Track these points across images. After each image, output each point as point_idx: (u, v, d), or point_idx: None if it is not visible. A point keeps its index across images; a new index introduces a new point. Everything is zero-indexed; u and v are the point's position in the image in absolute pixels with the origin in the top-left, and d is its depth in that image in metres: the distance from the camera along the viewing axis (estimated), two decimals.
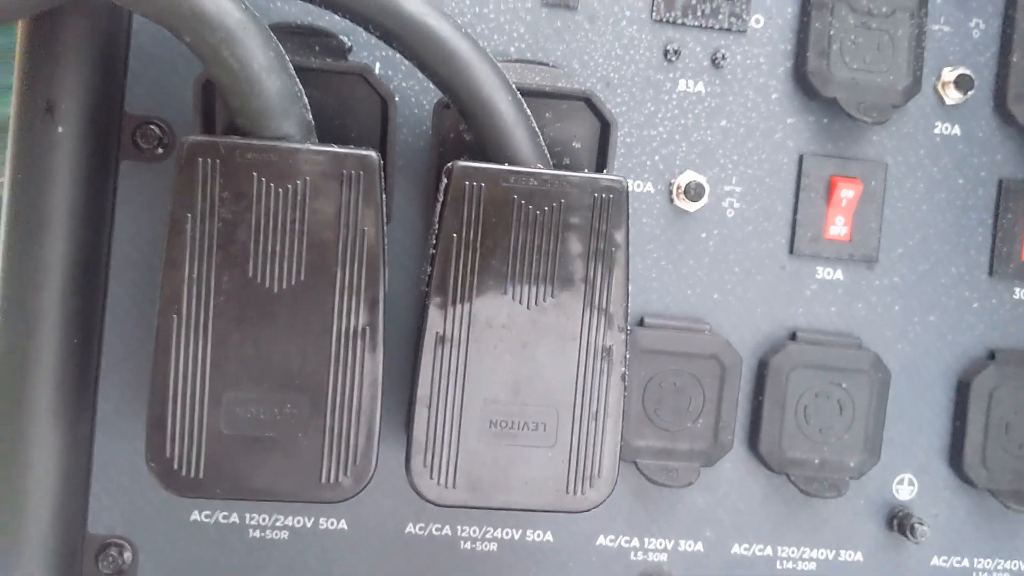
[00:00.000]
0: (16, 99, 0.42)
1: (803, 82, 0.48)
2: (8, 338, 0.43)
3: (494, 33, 0.47)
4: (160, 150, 0.45)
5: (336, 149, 0.39)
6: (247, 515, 0.46)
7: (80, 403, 0.44)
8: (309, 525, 0.46)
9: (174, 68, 0.45)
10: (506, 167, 0.41)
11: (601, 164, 0.45)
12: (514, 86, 0.41)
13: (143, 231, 0.45)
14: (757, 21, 0.48)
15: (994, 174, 0.51)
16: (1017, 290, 0.51)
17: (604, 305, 0.41)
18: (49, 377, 0.43)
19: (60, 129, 0.42)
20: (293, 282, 0.39)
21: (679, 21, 0.48)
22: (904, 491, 0.51)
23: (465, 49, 0.40)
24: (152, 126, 0.45)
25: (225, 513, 0.46)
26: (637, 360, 0.47)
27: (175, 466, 0.39)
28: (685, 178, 0.48)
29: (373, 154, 0.40)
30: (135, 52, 0.45)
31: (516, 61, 0.47)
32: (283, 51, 0.39)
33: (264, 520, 0.46)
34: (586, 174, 0.41)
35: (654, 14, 0.48)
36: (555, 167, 0.44)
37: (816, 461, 0.49)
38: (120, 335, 0.45)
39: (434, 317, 0.41)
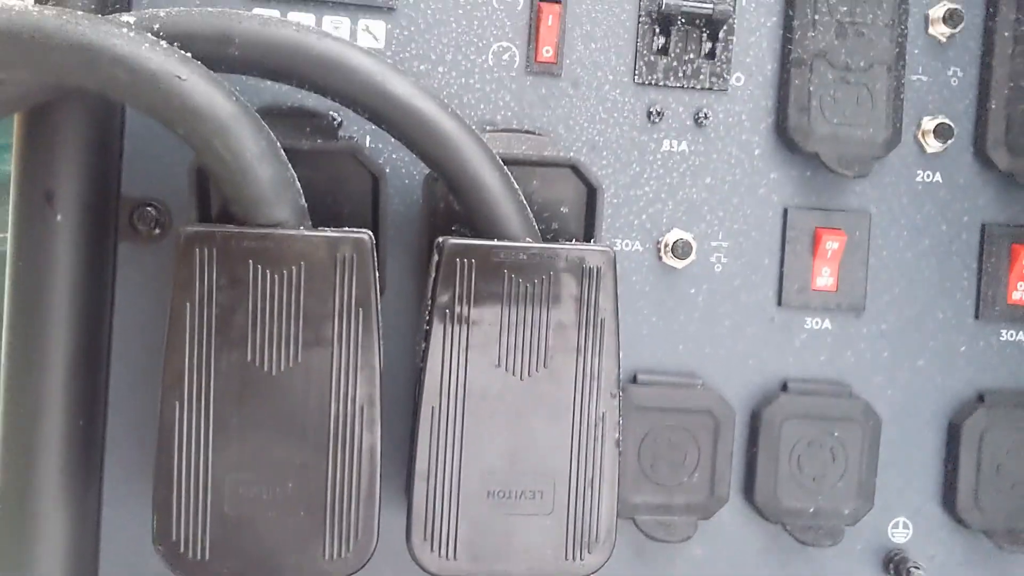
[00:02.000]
0: (15, 190, 0.43)
1: (785, 137, 0.49)
2: (15, 421, 0.44)
3: (480, 102, 0.48)
4: (157, 230, 0.46)
5: (329, 233, 0.40)
6: None
7: (87, 482, 0.45)
8: None
9: (168, 149, 0.46)
10: (495, 243, 0.41)
11: (589, 228, 0.46)
12: (501, 161, 0.42)
13: (143, 310, 0.46)
14: (738, 80, 0.49)
15: (976, 219, 0.52)
16: (1003, 332, 0.52)
17: (596, 373, 0.42)
18: (56, 458, 0.44)
19: (59, 217, 0.43)
20: (291, 363, 0.40)
21: (661, 83, 0.49)
22: (899, 534, 0.52)
23: (452, 129, 0.41)
24: (149, 208, 0.46)
25: None
26: (631, 417, 0.48)
27: (181, 549, 0.40)
28: (672, 236, 0.49)
29: (366, 236, 0.41)
30: (130, 135, 0.46)
31: (503, 131, 0.48)
32: (274, 139, 0.40)
33: None
34: (574, 246, 0.42)
35: (636, 77, 0.49)
36: (544, 231, 0.45)
37: (811, 510, 0.50)
38: (124, 413, 0.46)
39: (429, 390, 0.41)
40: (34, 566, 0.44)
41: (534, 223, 0.43)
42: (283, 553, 0.40)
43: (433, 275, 0.42)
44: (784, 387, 0.50)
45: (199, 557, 0.40)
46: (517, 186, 0.42)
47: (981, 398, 0.52)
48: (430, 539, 0.41)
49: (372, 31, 0.47)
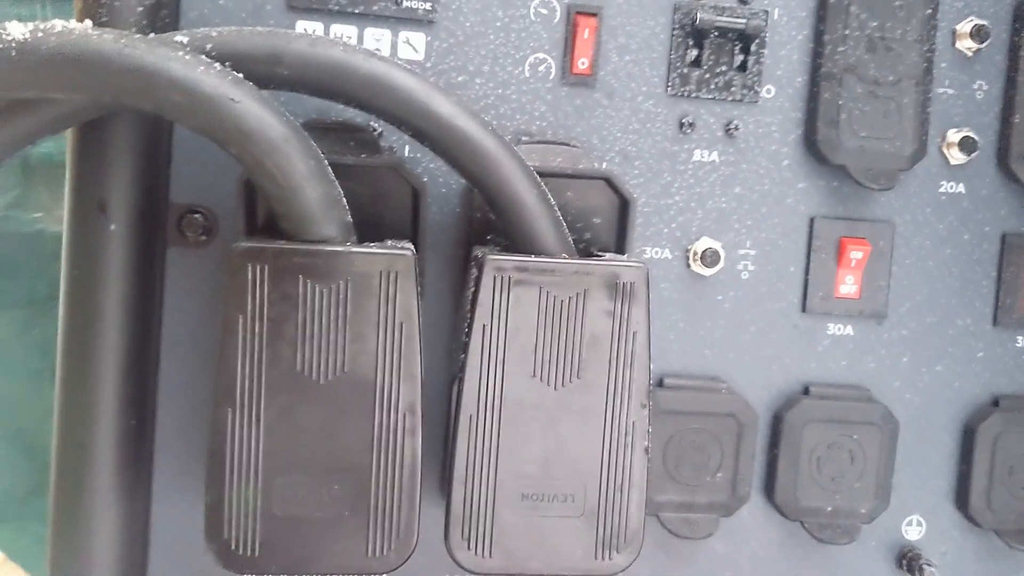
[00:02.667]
0: (70, 199, 0.45)
1: (813, 149, 0.50)
2: (70, 421, 0.46)
3: (516, 113, 0.49)
4: (204, 237, 0.48)
5: (375, 250, 0.42)
6: None
7: (138, 480, 0.47)
8: None
9: (215, 158, 0.47)
10: (532, 259, 0.43)
11: (620, 239, 0.48)
12: (538, 178, 0.43)
13: (190, 314, 0.48)
14: (768, 92, 0.50)
15: (997, 229, 0.53)
16: (1020, 339, 0.54)
17: (627, 384, 0.44)
18: (109, 457, 0.46)
19: (112, 226, 0.45)
20: (338, 373, 0.42)
21: (693, 95, 0.50)
22: (913, 532, 0.54)
23: (492, 148, 0.42)
24: (196, 215, 0.47)
25: None
26: (658, 419, 0.50)
27: (232, 546, 0.42)
28: (701, 244, 0.51)
29: (409, 252, 0.42)
30: (178, 143, 0.47)
31: (539, 143, 0.49)
32: (322, 157, 0.41)
33: None
34: (607, 262, 0.44)
35: (669, 89, 0.50)
36: (577, 241, 0.47)
37: (829, 509, 0.52)
38: (173, 414, 0.48)
39: (468, 400, 0.43)
40: (87, 560, 0.46)
41: (569, 238, 0.45)
42: (328, 551, 0.43)
43: (472, 288, 0.44)
44: (806, 391, 0.52)
45: (249, 554, 0.42)
46: (553, 201, 0.44)
47: (996, 403, 0.53)
48: (467, 539, 0.44)
49: (412, 43, 0.48)
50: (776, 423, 0.52)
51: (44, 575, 1.13)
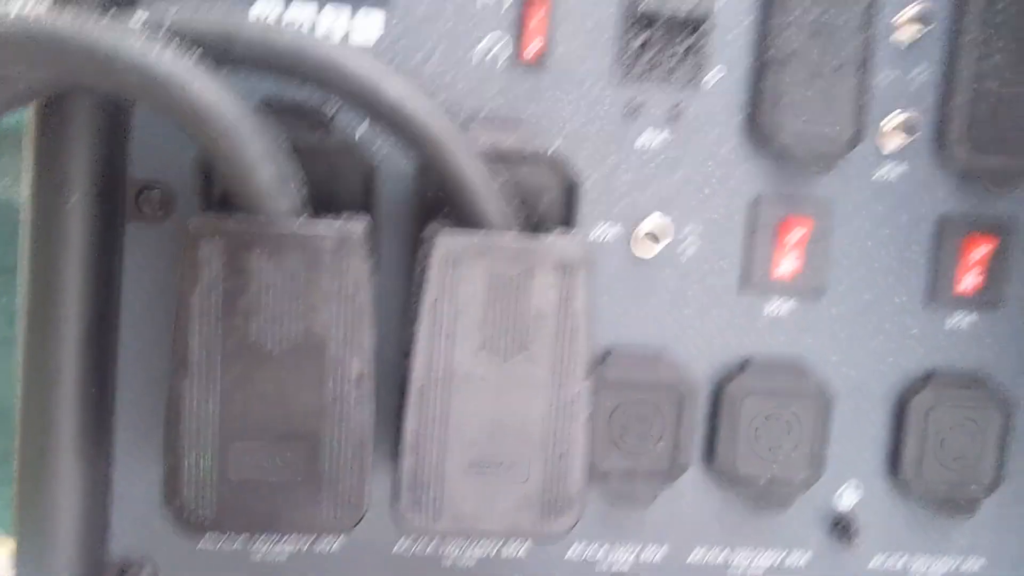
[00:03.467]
0: (32, 174, 0.46)
1: (756, 132, 0.52)
2: (33, 390, 0.47)
3: (469, 94, 0.50)
4: (161, 212, 0.49)
5: (327, 225, 0.43)
6: (250, 541, 0.51)
7: (99, 445, 0.49)
8: (305, 549, 0.52)
9: (173, 135, 0.48)
10: (480, 237, 0.45)
11: (568, 218, 0.50)
12: (488, 154, 0.45)
13: (148, 287, 0.49)
14: (714, 76, 0.52)
15: (933, 212, 0.55)
16: (953, 316, 0.56)
17: (570, 357, 0.46)
18: (70, 424, 0.48)
19: (72, 200, 0.46)
20: (290, 344, 0.44)
21: (640, 79, 0.51)
22: (847, 501, 0.56)
23: (440, 130, 0.44)
24: (155, 190, 0.49)
25: (230, 541, 0.51)
26: (603, 391, 0.52)
27: (190, 508, 0.44)
28: (647, 223, 0.52)
29: (361, 228, 0.44)
30: (137, 120, 0.48)
31: (489, 121, 0.50)
32: (276, 136, 0.43)
33: (265, 545, 0.51)
34: (553, 240, 0.45)
35: (617, 73, 0.51)
36: (528, 218, 0.49)
37: (766, 477, 0.54)
38: (132, 382, 0.50)
39: (418, 372, 0.45)
40: (52, 520, 0.48)
41: (515, 217, 0.46)
42: (282, 513, 0.45)
43: (422, 264, 0.45)
44: (745, 365, 0.54)
45: (206, 516, 0.44)
46: (502, 179, 0.45)
47: (928, 378, 0.56)
48: (417, 503, 0.46)
49: (370, 21, 0.49)
50: (716, 395, 0.54)
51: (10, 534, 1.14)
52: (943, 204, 0.55)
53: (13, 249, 0.98)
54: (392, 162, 0.50)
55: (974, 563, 0.58)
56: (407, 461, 0.45)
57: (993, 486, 0.56)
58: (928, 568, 0.58)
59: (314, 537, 0.51)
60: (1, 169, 0.93)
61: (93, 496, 0.49)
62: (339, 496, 0.45)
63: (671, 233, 0.53)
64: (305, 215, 0.44)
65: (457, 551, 0.53)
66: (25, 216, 0.47)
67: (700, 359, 0.54)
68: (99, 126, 0.46)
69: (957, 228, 0.55)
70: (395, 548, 0.52)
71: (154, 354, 0.49)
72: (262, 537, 0.50)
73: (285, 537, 0.51)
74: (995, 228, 0.55)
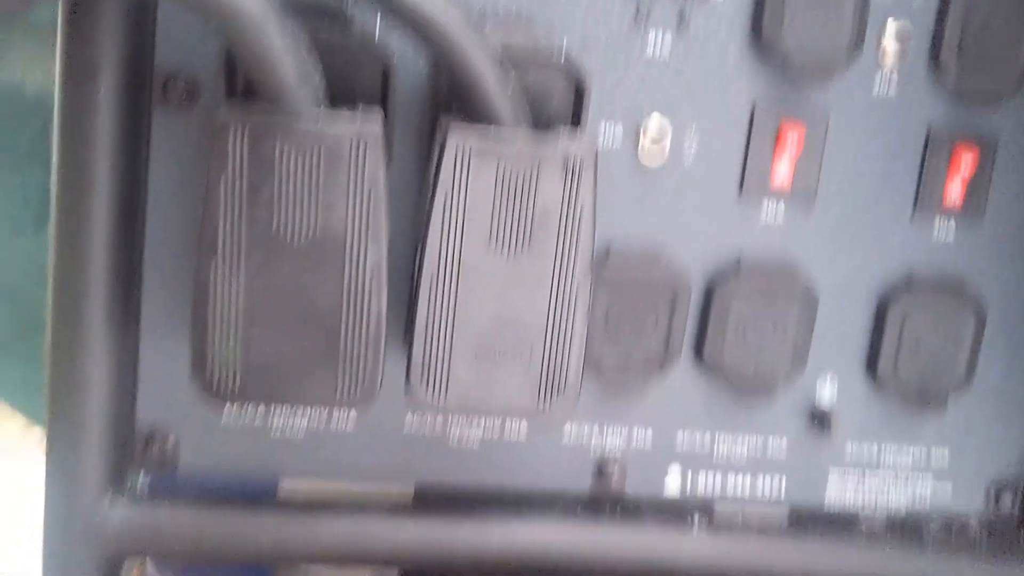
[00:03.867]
0: (61, 63, 0.48)
1: (758, 41, 0.54)
2: (64, 266, 0.50)
3: None
4: (187, 101, 0.51)
5: (346, 118, 0.45)
6: (270, 413, 0.55)
7: (127, 319, 0.52)
8: (323, 424, 0.55)
9: (199, 24, 0.50)
10: (492, 130, 0.47)
11: (576, 119, 0.52)
12: (500, 55, 0.47)
13: (175, 173, 0.52)
14: None
15: (923, 126, 0.57)
16: (936, 226, 0.59)
17: (573, 253, 0.49)
18: (102, 299, 0.51)
19: (102, 88, 0.48)
20: (309, 235, 0.46)
21: None
22: (826, 392, 0.60)
23: (454, 27, 0.46)
24: (180, 80, 0.51)
25: (251, 411, 0.55)
26: (602, 287, 0.55)
27: (215, 382, 0.48)
28: (651, 127, 0.55)
29: (378, 122, 0.46)
30: (164, 10, 0.50)
31: (501, 20, 0.52)
32: (298, 31, 0.44)
33: (283, 422, 0.55)
34: (560, 139, 0.48)
35: None
36: (536, 119, 0.51)
37: (751, 369, 0.58)
38: (158, 263, 0.53)
39: (429, 262, 0.48)
40: (85, 387, 0.51)
41: (526, 113, 0.49)
42: (301, 390, 0.48)
43: (435, 158, 0.48)
44: (738, 266, 0.57)
45: (231, 388, 0.48)
46: (512, 79, 0.47)
47: (909, 283, 0.59)
48: (426, 384, 0.49)
49: None
50: (708, 294, 0.57)
51: (33, 412, 1.20)
52: (933, 119, 0.57)
53: (25, 135, 0.99)
54: (407, 59, 0.52)
55: (940, 452, 0.63)
56: (417, 346, 0.49)
57: (963, 383, 0.60)
58: (897, 456, 0.62)
59: (330, 414, 0.55)
60: (13, 55, 0.94)
61: (121, 370, 0.53)
62: (355, 375, 0.48)
63: (672, 137, 0.55)
64: (325, 108, 0.46)
65: (461, 433, 0.57)
66: (55, 103, 0.49)
67: (695, 259, 0.57)
68: (126, 17, 0.48)
69: (945, 142, 0.57)
70: (405, 429, 0.56)
71: (179, 237, 0.52)
72: (282, 410, 0.53)
73: (303, 410, 0.54)
74: (981, 143, 0.58)
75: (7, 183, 0.99)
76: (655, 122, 0.55)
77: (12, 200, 1.01)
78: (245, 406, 0.53)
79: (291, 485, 0.59)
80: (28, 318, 1.07)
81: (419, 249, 0.49)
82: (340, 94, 0.49)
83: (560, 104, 0.52)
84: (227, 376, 0.48)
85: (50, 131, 0.95)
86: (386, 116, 0.49)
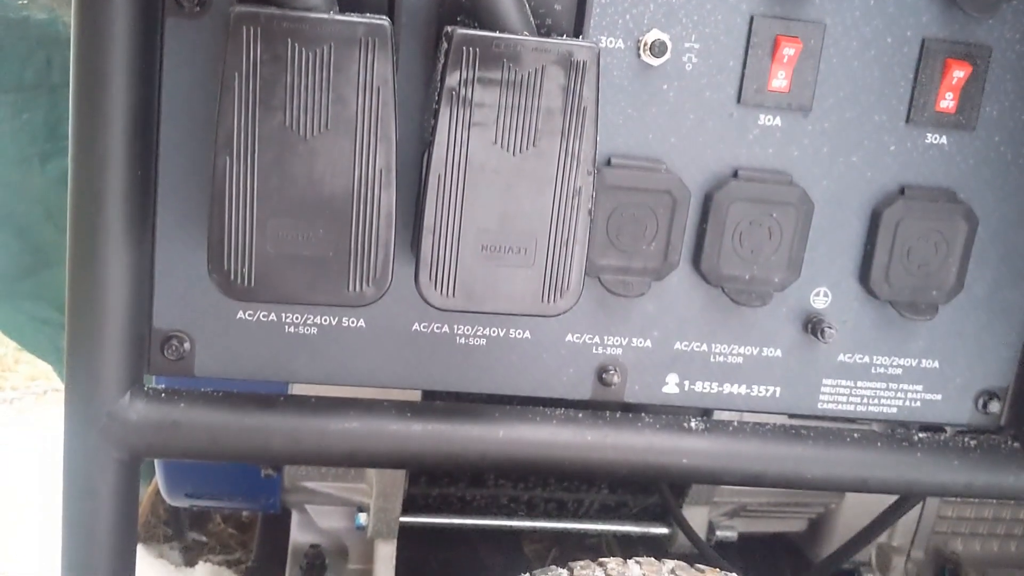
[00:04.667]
0: None
1: None
2: (82, 171, 0.52)
3: None
4: (198, 8, 0.52)
5: (355, 18, 0.47)
6: (283, 314, 0.57)
7: (143, 223, 0.54)
8: (334, 323, 0.57)
9: None
10: (497, 35, 0.48)
11: (579, 26, 0.53)
12: None
13: (186, 79, 0.53)
14: None
15: (918, 35, 0.58)
16: (929, 135, 0.60)
17: (576, 153, 0.50)
18: (119, 203, 0.52)
19: None
20: (321, 130, 0.48)
21: None
22: (820, 302, 0.62)
23: None
24: None
25: (265, 312, 0.57)
26: (603, 194, 0.57)
27: (231, 277, 0.49)
28: (651, 36, 0.56)
29: (386, 22, 0.47)
30: None
31: None
32: None
33: (297, 319, 0.57)
34: (564, 41, 0.49)
35: None
36: (539, 26, 0.52)
37: (747, 276, 0.59)
38: (172, 168, 0.54)
39: (436, 161, 0.50)
40: (104, 290, 0.53)
41: (531, 19, 0.50)
42: (315, 284, 0.50)
43: (442, 61, 0.49)
44: (735, 174, 0.59)
45: (246, 284, 0.50)
46: None
47: (902, 191, 0.60)
48: (434, 280, 0.51)
49: None
50: (706, 201, 0.59)
51: (40, 350, 1.21)
52: (926, 28, 0.59)
53: (31, 68, 1.00)
54: None
55: (929, 364, 0.65)
56: (425, 242, 0.50)
57: (953, 293, 0.62)
58: (888, 367, 0.64)
59: (343, 310, 0.57)
60: None
61: (139, 273, 0.55)
62: (366, 271, 0.50)
63: (673, 46, 0.56)
64: (335, 9, 0.47)
65: (470, 329, 0.58)
66: (72, 9, 0.50)
67: (693, 167, 0.58)
68: None
69: (938, 51, 0.59)
70: (415, 327, 0.58)
71: (191, 142, 0.54)
72: (296, 306, 0.55)
73: (317, 307, 0.56)
74: (973, 53, 0.59)
75: (13, 119, 1.00)
76: (655, 36, 0.56)
77: (18, 137, 1.02)
78: (259, 305, 0.55)
79: (302, 389, 0.61)
80: (36, 254, 1.09)
81: (427, 150, 0.50)
82: (347, 2, 0.50)
83: (562, 13, 0.53)
84: (243, 272, 0.49)
85: (54, 63, 0.96)
86: (393, 22, 0.50)
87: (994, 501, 1.12)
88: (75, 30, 0.50)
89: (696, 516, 1.01)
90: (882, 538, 1.10)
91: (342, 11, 0.48)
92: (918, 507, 1.08)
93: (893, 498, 0.83)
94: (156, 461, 0.95)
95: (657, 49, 0.56)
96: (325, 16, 0.46)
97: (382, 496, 0.92)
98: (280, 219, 0.49)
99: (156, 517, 1.33)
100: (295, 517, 1.02)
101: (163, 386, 0.57)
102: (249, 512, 1.34)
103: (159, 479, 0.92)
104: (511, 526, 1.03)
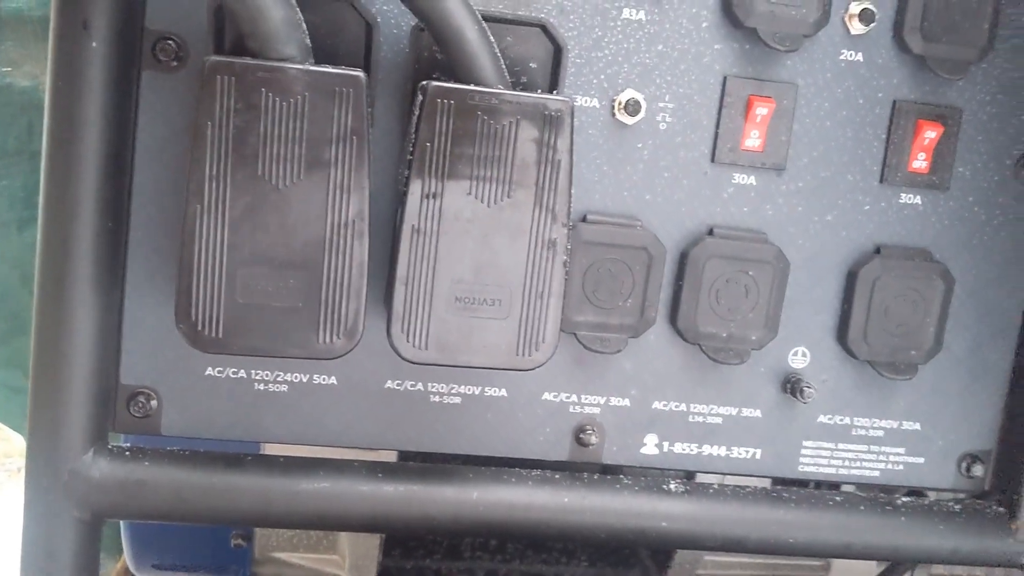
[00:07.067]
0: (55, 18, 0.49)
1: (729, 13, 0.56)
2: (52, 222, 0.51)
3: None
4: (175, 63, 0.53)
5: (330, 70, 0.47)
6: (253, 371, 0.56)
7: (112, 276, 0.53)
8: (305, 380, 0.56)
9: None
10: (472, 87, 0.49)
11: (553, 83, 0.54)
12: (480, 16, 0.49)
13: (161, 133, 0.53)
14: None
15: (889, 96, 0.59)
16: (903, 195, 0.61)
17: (551, 205, 0.50)
18: (87, 254, 0.52)
19: (94, 44, 0.49)
20: (294, 180, 0.48)
21: None
22: (798, 361, 0.62)
23: None
24: (169, 41, 0.52)
25: (235, 369, 0.56)
26: (579, 250, 0.57)
27: (199, 327, 0.48)
28: (625, 95, 0.57)
29: (360, 74, 0.48)
30: None
31: None
32: None
33: (267, 375, 0.56)
34: (538, 95, 0.50)
35: None
36: (514, 83, 0.53)
37: (724, 334, 0.59)
38: (144, 219, 0.54)
39: (410, 211, 0.49)
40: (70, 344, 0.52)
41: (506, 73, 0.50)
42: (284, 336, 0.49)
43: (417, 113, 0.49)
44: (711, 232, 0.59)
45: (214, 336, 0.49)
46: (493, 39, 0.49)
47: (878, 250, 0.61)
48: (406, 332, 0.50)
49: None
50: (682, 259, 0.59)
51: (13, 421, 1.19)
52: (897, 89, 0.59)
53: (12, 134, 1.01)
54: (391, 19, 0.53)
55: (911, 426, 0.64)
56: (398, 293, 0.50)
57: (932, 353, 0.62)
58: (869, 429, 0.63)
59: (314, 367, 0.56)
60: (1, 56, 0.96)
61: (106, 327, 0.54)
62: (337, 322, 0.49)
63: (648, 105, 0.57)
64: (310, 60, 0.48)
65: (444, 387, 0.57)
66: (49, 58, 0.50)
67: (669, 225, 0.58)
68: None
69: (910, 112, 0.60)
70: (388, 384, 0.57)
71: (165, 195, 0.53)
72: (265, 358, 0.54)
73: (286, 359, 0.55)
74: (944, 114, 0.60)
75: None
76: (629, 95, 0.56)
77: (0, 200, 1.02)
78: (228, 359, 0.54)
79: (273, 449, 0.60)
80: (11, 321, 1.07)
81: (401, 200, 0.50)
82: (323, 53, 0.51)
83: (538, 70, 0.54)
84: (211, 322, 0.49)
85: (36, 129, 0.97)
86: (369, 76, 0.51)
87: (982, 574, 1.10)
88: (50, 81, 0.50)
89: None
90: None
91: (317, 64, 0.48)
92: None
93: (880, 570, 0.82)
94: (123, 531, 0.92)
95: (631, 108, 0.57)
96: (300, 67, 0.47)
97: (355, 568, 0.89)
98: (250, 269, 0.48)
99: None
100: None
101: (129, 443, 0.56)
102: None
103: (125, 549, 0.89)
104: None
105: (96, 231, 0.52)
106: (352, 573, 0.90)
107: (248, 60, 0.46)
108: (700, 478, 0.73)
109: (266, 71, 0.46)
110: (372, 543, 0.89)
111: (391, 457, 0.63)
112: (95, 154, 0.51)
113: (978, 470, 0.65)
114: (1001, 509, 0.64)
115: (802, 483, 0.78)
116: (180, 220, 0.48)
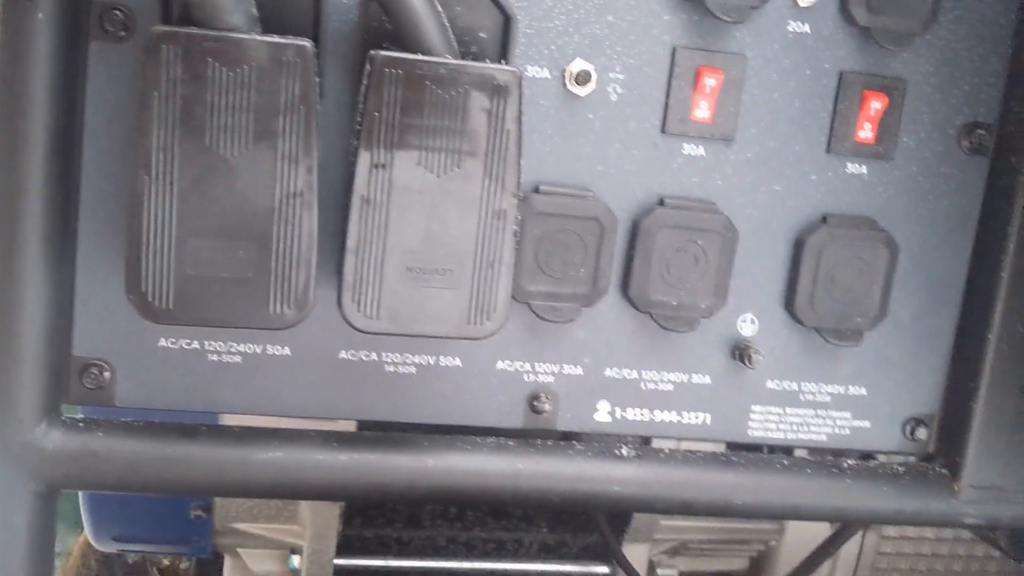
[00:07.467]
0: None
1: None
2: (1, 195, 0.51)
3: None
4: (123, 33, 0.52)
5: (277, 40, 0.47)
6: (206, 342, 0.56)
7: (63, 249, 0.53)
8: (259, 351, 0.56)
9: None
10: (420, 57, 0.49)
11: (503, 53, 0.54)
12: None
13: (111, 102, 0.53)
14: None
15: (836, 67, 0.60)
16: (849, 165, 0.62)
17: (500, 175, 0.51)
18: (38, 227, 0.51)
19: (40, 15, 0.49)
20: (242, 150, 0.48)
21: None
22: (746, 328, 0.63)
23: None
24: (116, 11, 0.52)
25: (188, 340, 0.56)
26: (532, 221, 0.57)
27: (150, 299, 0.49)
28: (576, 66, 0.57)
29: (308, 44, 0.48)
30: None
31: None
32: None
33: (220, 346, 0.56)
34: (486, 65, 0.50)
35: None
36: (464, 53, 0.53)
37: (674, 303, 0.60)
38: (94, 191, 0.53)
39: (360, 182, 0.50)
40: (21, 317, 0.52)
41: (455, 43, 0.51)
42: (235, 306, 0.49)
43: (365, 83, 0.49)
44: (661, 202, 0.59)
45: (164, 307, 0.49)
46: (441, 9, 0.49)
47: (824, 219, 0.62)
48: (357, 302, 0.51)
49: None
50: (634, 229, 0.59)
51: None
52: (844, 61, 0.60)
53: None
54: None
55: (857, 391, 0.65)
56: (349, 264, 0.50)
57: (877, 320, 0.63)
58: (816, 394, 0.65)
59: (267, 337, 0.56)
60: None
61: (58, 299, 0.54)
62: (288, 293, 0.50)
63: (598, 76, 0.57)
64: (258, 30, 0.47)
65: (398, 357, 0.58)
66: None
67: (620, 195, 0.59)
68: None
69: (856, 83, 0.61)
70: (342, 354, 0.58)
71: (116, 166, 0.53)
72: (218, 329, 0.54)
73: (239, 330, 0.55)
74: (889, 85, 0.61)
75: None
76: (580, 66, 0.57)
77: None
78: (181, 330, 0.54)
79: (230, 421, 0.60)
80: None
81: (351, 171, 0.50)
82: (271, 22, 0.50)
83: (487, 40, 0.54)
84: (161, 294, 0.49)
85: None
86: (318, 47, 0.50)
87: (933, 537, 1.13)
88: None
89: (636, 554, 1.00)
90: None
91: (265, 33, 0.48)
92: (858, 545, 1.09)
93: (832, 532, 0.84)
94: (82, 504, 0.92)
95: (582, 79, 0.57)
96: (247, 36, 0.47)
97: (316, 538, 0.90)
98: (200, 240, 0.48)
99: (88, 569, 1.29)
100: (228, 562, 0.99)
101: (82, 416, 0.56)
102: (186, 562, 1.30)
103: (85, 522, 0.90)
104: (449, 568, 1.02)
105: (46, 204, 0.51)
106: (313, 543, 0.90)
107: (194, 30, 0.46)
108: (655, 443, 0.75)
109: (212, 40, 0.46)
110: (332, 513, 0.90)
111: (350, 427, 0.64)
112: (43, 127, 0.50)
113: (922, 433, 0.67)
114: (944, 471, 0.66)
115: (756, 448, 0.80)
116: (120, 190, 0.48)
